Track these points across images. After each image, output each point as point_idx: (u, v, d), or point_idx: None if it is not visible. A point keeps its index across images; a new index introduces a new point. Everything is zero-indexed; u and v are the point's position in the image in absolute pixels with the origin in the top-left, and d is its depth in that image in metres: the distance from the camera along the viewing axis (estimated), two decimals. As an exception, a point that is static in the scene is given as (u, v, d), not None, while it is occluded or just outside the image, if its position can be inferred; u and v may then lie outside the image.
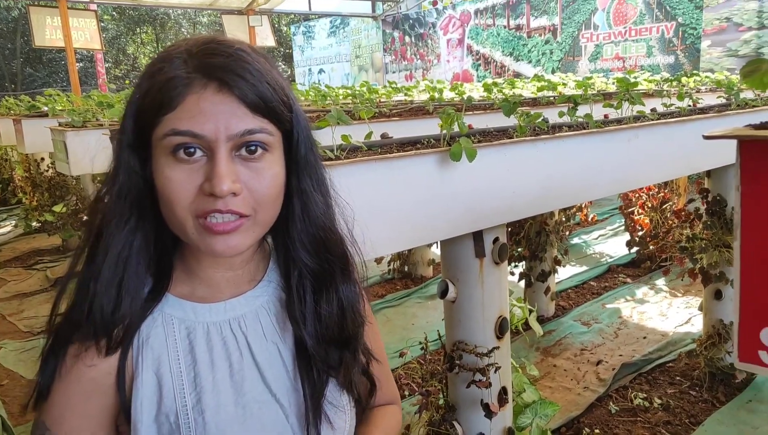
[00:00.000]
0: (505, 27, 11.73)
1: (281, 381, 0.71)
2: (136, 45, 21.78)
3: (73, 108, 3.82)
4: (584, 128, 1.78)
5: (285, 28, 20.48)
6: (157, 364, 0.66)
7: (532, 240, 3.60)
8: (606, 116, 2.07)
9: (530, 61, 11.33)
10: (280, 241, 0.74)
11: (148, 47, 21.86)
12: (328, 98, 3.99)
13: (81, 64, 18.56)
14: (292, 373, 0.72)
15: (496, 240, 1.67)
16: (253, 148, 0.64)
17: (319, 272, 0.73)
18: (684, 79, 3.82)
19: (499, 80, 4.76)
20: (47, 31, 8.70)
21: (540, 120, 1.69)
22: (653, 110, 2.29)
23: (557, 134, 1.66)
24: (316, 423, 0.71)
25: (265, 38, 11.04)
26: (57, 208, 4.89)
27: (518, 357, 2.69)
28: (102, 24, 15.25)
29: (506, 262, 1.75)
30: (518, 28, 11.48)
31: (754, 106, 2.49)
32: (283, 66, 21.30)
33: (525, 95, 3.76)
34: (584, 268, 4.68)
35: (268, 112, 0.64)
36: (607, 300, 4.01)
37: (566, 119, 1.90)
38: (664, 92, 3.00)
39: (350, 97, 3.95)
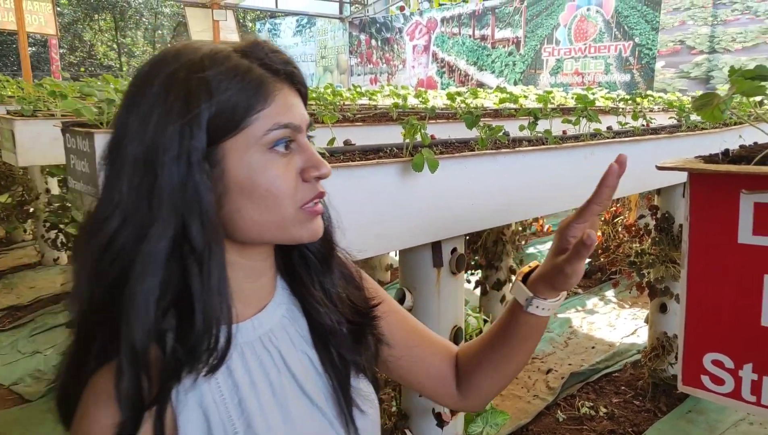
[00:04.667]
0: (470, 36, 11.90)
1: (317, 387, 0.71)
2: (93, 32, 21.07)
3: (23, 95, 3.66)
4: (543, 143, 1.82)
5: (250, 24, 20.20)
6: (200, 396, 0.61)
7: (489, 249, 3.65)
8: (564, 132, 2.12)
9: (493, 72, 11.53)
10: None
11: (107, 35, 21.19)
12: (292, 99, 3.94)
13: (34, 49, 17.82)
14: (324, 376, 0.71)
15: (454, 250, 1.68)
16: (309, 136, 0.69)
17: (322, 250, 0.74)
18: (638, 99, 3.95)
19: (463, 89, 4.82)
20: (-1, 12, 8.33)
21: (501, 133, 1.72)
22: (609, 128, 2.36)
23: (517, 148, 1.69)
24: (350, 411, 0.71)
25: (230, 33, 10.87)
26: (2, 199, 4.67)
27: (471, 364, 2.72)
28: (58, 8, 14.71)
29: (463, 272, 1.77)
30: (483, 38, 11.67)
31: (703, 129, 2.59)
32: (247, 62, 20.96)
33: (487, 106, 3.82)
34: (538, 277, 4.78)
35: (305, 104, 0.70)
36: (559, 310, 4.11)
37: (526, 133, 1.94)
38: (620, 110, 3.10)
39: (314, 100, 3.93)
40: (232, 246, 0.64)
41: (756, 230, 0.51)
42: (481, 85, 11.29)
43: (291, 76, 0.66)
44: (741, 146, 0.65)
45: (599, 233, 4.68)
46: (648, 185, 2.35)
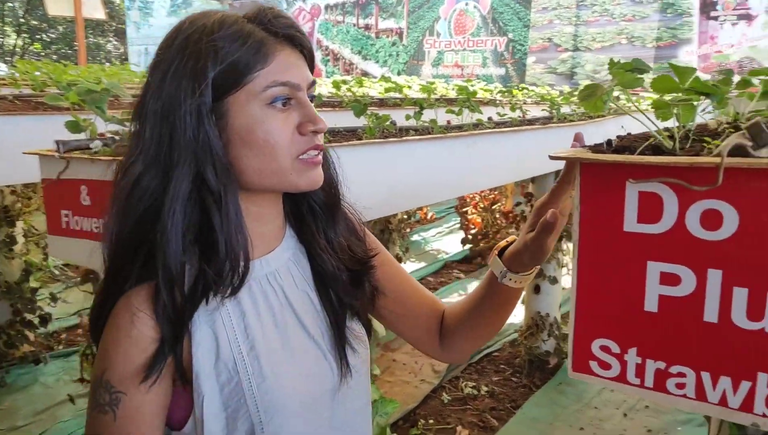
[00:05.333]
0: (354, 25, 11.91)
1: (315, 322, 0.78)
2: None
3: None
4: (429, 133, 1.85)
5: (118, 1, 18.68)
6: (212, 322, 0.70)
7: (377, 237, 3.68)
8: (449, 122, 2.17)
9: (377, 61, 11.64)
10: None
11: (-57, 2, 18.51)
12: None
13: None
14: (321, 314, 0.79)
15: (343, 240, 1.66)
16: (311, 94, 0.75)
17: (327, 202, 0.81)
18: (514, 92, 4.17)
19: (348, 78, 4.79)
20: None
21: (388, 123, 1.71)
22: (490, 119, 2.45)
23: (405, 138, 1.69)
24: (343, 347, 0.79)
25: (94, 10, 9.95)
26: None
27: (361, 353, 2.75)
28: None
29: (352, 262, 1.75)
30: (367, 27, 11.72)
31: (571, 121, 2.78)
32: (115, 42, 19.43)
33: (372, 95, 3.82)
34: (423, 264, 4.92)
35: (310, 66, 0.76)
36: (443, 295, 4.25)
37: (412, 122, 1.95)
38: (498, 102, 3.24)
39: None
40: (240, 192, 0.71)
41: (640, 218, 0.53)
42: (365, 74, 11.35)
43: (292, 39, 0.72)
44: (618, 136, 0.68)
45: (479, 220, 4.90)
46: (525, 174, 2.48)
